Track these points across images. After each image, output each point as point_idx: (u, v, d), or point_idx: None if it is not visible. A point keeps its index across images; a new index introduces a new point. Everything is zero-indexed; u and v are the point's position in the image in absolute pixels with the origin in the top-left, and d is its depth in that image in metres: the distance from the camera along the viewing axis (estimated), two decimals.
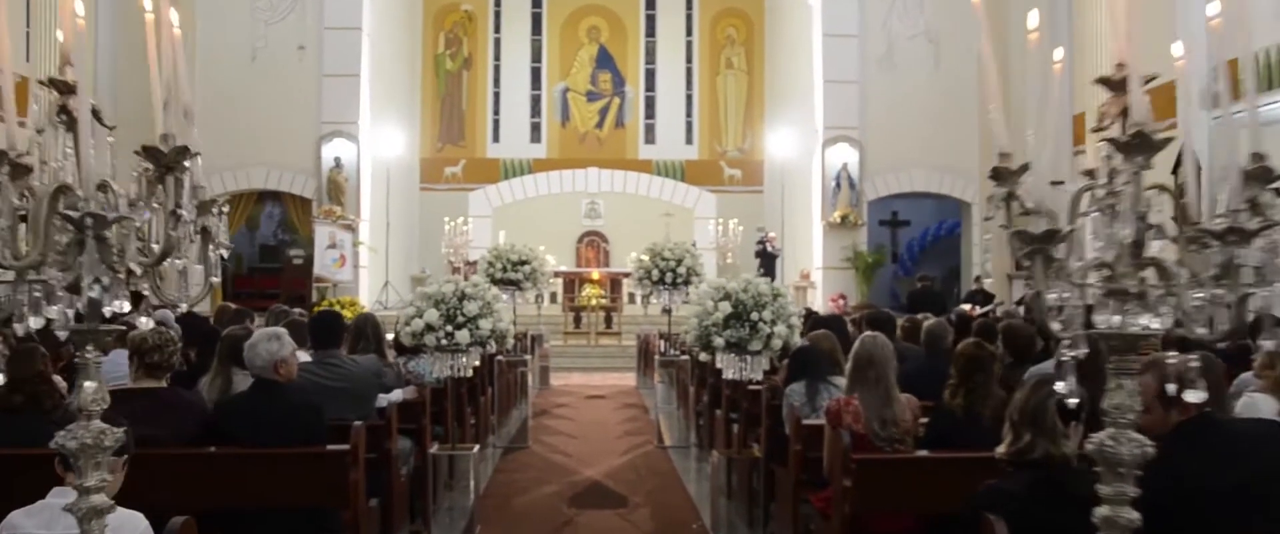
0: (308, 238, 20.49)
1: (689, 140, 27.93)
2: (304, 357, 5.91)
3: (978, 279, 19.50)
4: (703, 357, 5.90)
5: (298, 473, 4.16)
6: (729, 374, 5.76)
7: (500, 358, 9.97)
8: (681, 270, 9.68)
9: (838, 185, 21.03)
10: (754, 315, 5.55)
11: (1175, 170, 2.06)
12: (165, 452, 4.05)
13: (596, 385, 15.52)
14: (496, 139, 27.54)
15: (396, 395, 5.85)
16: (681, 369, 10.11)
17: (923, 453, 4.37)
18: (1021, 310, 18.37)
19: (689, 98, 28.00)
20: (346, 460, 4.22)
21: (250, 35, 20.46)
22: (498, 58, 27.71)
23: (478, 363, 6.00)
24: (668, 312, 21.43)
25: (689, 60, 28.10)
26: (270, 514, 4.17)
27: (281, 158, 20.51)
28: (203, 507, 3.42)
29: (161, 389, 4.28)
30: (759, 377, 5.72)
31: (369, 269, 21.06)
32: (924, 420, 4.63)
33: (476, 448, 6.37)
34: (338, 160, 20.32)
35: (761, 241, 20.96)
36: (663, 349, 13.09)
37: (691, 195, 26.37)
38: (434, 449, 6.05)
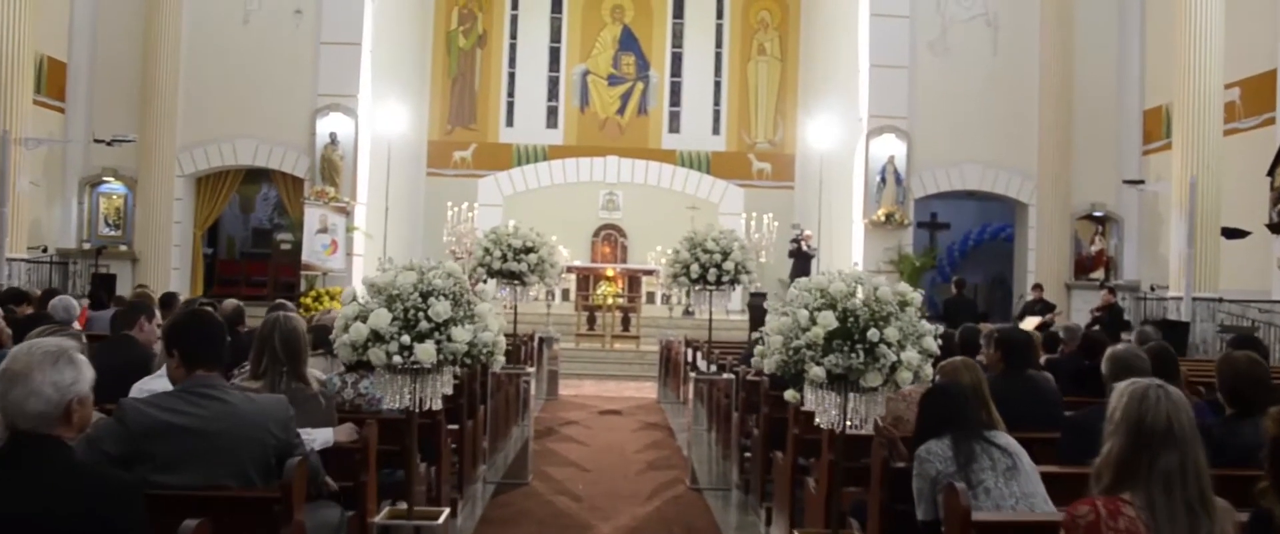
0: (299, 221, 18.64)
1: (716, 130, 26.01)
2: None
3: (1036, 287, 17.49)
4: (790, 395, 3.90)
5: None
6: (825, 421, 3.81)
7: (495, 369, 8.09)
8: (728, 266, 7.68)
9: (882, 180, 19.06)
10: (873, 333, 3.60)
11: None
12: None
13: (611, 397, 13.60)
14: (510, 123, 25.70)
15: (321, 438, 3.95)
16: (718, 388, 8.18)
17: None
18: (1092, 323, 16.44)
19: (717, 85, 26.08)
20: None
21: None
22: (514, 36, 25.83)
23: (449, 390, 4.06)
24: (690, 313, 19.69)
25: (719, 45, 26.17)
26: None
27: (273, 132, 18.68)
28: None
29: None
30: (872, 426, 3.80)
31: (365, 258, 19.17)
32: None
33: (445, 514, 4.44)
34: (333, 136, 18.45)
35: (796, 240, 19.00)
36: (691, 359, 11.13)
37: (717, 189, 24.45)
38: (381, 516, 4.17)
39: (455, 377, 4.27)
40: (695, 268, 7.65)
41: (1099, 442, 2.46)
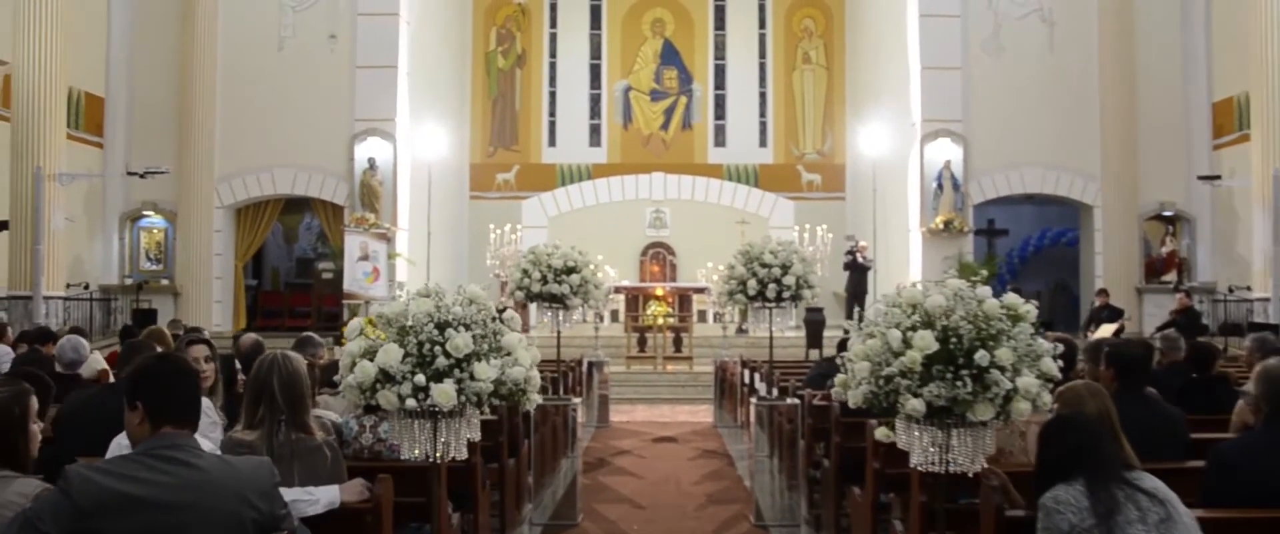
0: (340, 250, 18.24)
1: (763, 142, 25.36)
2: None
3: (1101, 293, 16.57)
4: (882, 432, 3.26)
5: None
6: (923, 461, 3.16)
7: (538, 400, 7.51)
8: (788, 281, 6.99)
9: (939, 187, 18.30)
10: (981, 356, 2.96)
11: None
12: None
13: (665, 422, 12.97)
14: (553, 143, 25.23)
15: (325, 498, 3.39)
16: (781, 413, 7.52)
17: None
18: (1173, 330, 15.46)
19: (763, 96, 25.44)
20: None
21: (277, 22, 18.35)
22: (554, 55, 25.40)
23: (475, 435, 3.47)
24: (743, 331, 18.99)
25: (762, 55, 25.53)
26: None
27: (311, 159, 18.35)
28: None
29: None
30: (977, 467, 3.14)
31: (408, 284, 18.71)
32: None
33: None
34: (372, 162, 18.07)
35: (851, 252, 18.27)
36: (749, 381, 10.48)
37: (767, 202, 23.71)
38: None
39: (488, 415, 3.67)
40: (752, 284, 6.98)
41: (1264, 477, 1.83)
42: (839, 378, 3.32)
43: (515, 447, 6.50)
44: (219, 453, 3.02)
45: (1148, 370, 4.69)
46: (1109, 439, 3.13)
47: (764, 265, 6.97)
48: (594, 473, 8.98)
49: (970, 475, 3.20)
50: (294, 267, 23.82)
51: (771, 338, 7.61)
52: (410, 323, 3.31)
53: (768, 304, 7.09)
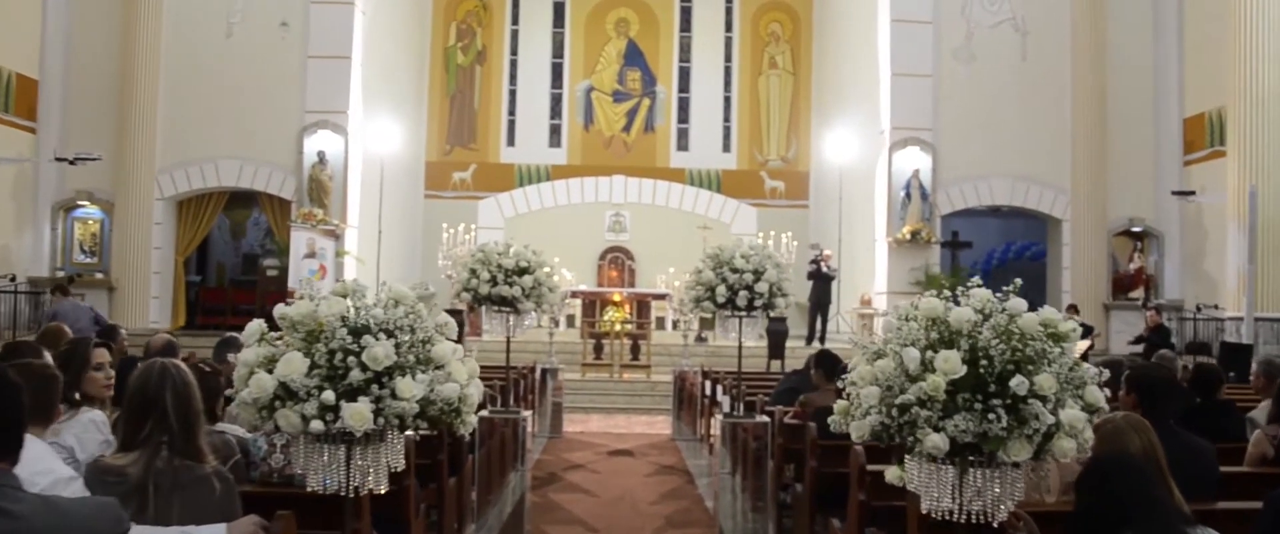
0: (287, 246, 17.49)
1: (726, 148, 24.89)
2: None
3: (1073, 308, 16.19)
4: (894, 473, 2.67)
5: None
6: (938, 506, 2.59)
7: (483, 414, 6.88)
8: (761, 287, 6.38)
9: (907, 196, 17.86)
10: (1017, 383, 2.40)
11: None
12: None
13: (621, 433, 12.39)
14: (511, 142, 24.60)
15: None
16: (748, 430, 6.94)
17: None
18: (1140, 347, 15.15)
19: (727, 100, 24.96)
20: None
21: (226, 7, 17.56)
22: (515, 52, 24.77)
23: (399, 463, 2.85)
24: (702, 339, 18.43)
25: (728, 59, 25.06)
26: None
27: (258, 151, 17.57)
28: None
29: None
30: (1003, 515, 2.57)
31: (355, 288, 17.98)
32: None
33: None
34: (321, 155, 17.32)
35: (815, 261, 17.79)
36: (711, 393, 9.92)
37: (729, 209, 23.24)
38: None
39: (425, 430, 3.06)
40: (721, 290, 6.39)
41: None
42: (839, 405, 2.75)
43: (457, 464, 5.88)
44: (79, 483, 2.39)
45: (1177, 396, 4.18)
46: (1159, 484, 2.60)
47: (734, 270, 6.39)
48: (545, 489, 8.36)
49: (994, 524, 2.65)
50: (241, 263, 22.96)
51: (741, 349, 7.04)
52: (316, 328, 2.70)
53: (737, 313, 6.51)
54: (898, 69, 18.12)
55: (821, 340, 17.49)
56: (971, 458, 2.48)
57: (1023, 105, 18.11)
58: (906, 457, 2.61)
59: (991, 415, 2.42)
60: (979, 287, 2.64)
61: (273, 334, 2.84)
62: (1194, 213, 17.42)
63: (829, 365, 6.38)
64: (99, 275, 17.29)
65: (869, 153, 19.04)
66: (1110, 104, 17.96)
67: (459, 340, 10.77)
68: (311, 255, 16.45)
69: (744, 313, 6.48)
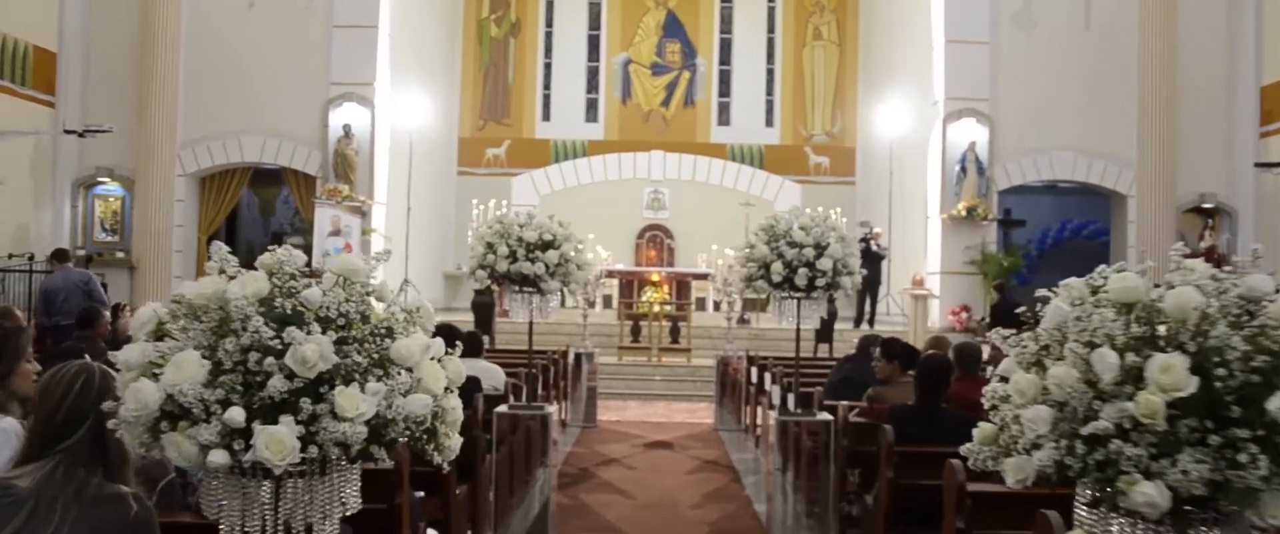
0: (312, 224, 16.82)
1: (769, 122, 23.89)
2: None
3: None
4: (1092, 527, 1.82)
5: None
6: None
7: (504, 408, 6.06)
8: (824, 264, 5.47)
9: (963, 170, 16.86)
10: (1276, 403, 1.55)
11: None
12: None
13: (660, 423, 11.59)
14: (547, 117, 23.76)
15: None
16: (806, 429, 6.07)
17: None
18: None
19: (770, 73, 23.95)
20: None
21: None
22: (550, 24, 23.89)
23: (353, 503, 2.04)
24: (745, 321, 17.55)
25: (771, 30, 24.03)
26: None
27: (282, 125, 16.90)
28: None
29: None
30: None
31: (385, 264, 17.28)
32: None
33: None
34: (347, 129, 16.61)
35: (865, 239, 16.82)
36: (757, 381, 9.07)
37: (772, 185, 22.35)
38: None
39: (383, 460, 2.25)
40: (777, 267, 5.49)
41: None
42: (982, 431, 1.90)
43: (469, 468, 5.09)
44: None
45: None
46: None
47: (792, 244, 5.51)
48: (574, 489, 7.57)
49: None
50: (268, 242, 22.39)
51: (799, 335, 6.18)
52: (224, 315, 1.89)
53: (795, 294, 5.64)
54: (953, 36, 17.08)
55: (871, 323, 16.60)
56: (1201, 515, 1.64)
57: (1086, 74, 17.02)
58: (1082, 508, 1.76)
59: (1241, 455, 1.58)
60: (1186, 258, 1.78)
61: (185, 324, 2.03)
62: (1271, 188, 16.28)
63: (901, 355, 5.54)
64: (120, 254, 16.73)
65: (921, 126, 18.05)
66: (1180, 71, 16.80)
67: (487, 330, 9.92)
68: (336, 233, 15.78)
69: (803, 294, 5.62)
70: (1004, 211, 18.49)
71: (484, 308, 14.94)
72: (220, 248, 2.09)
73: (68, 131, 14.14)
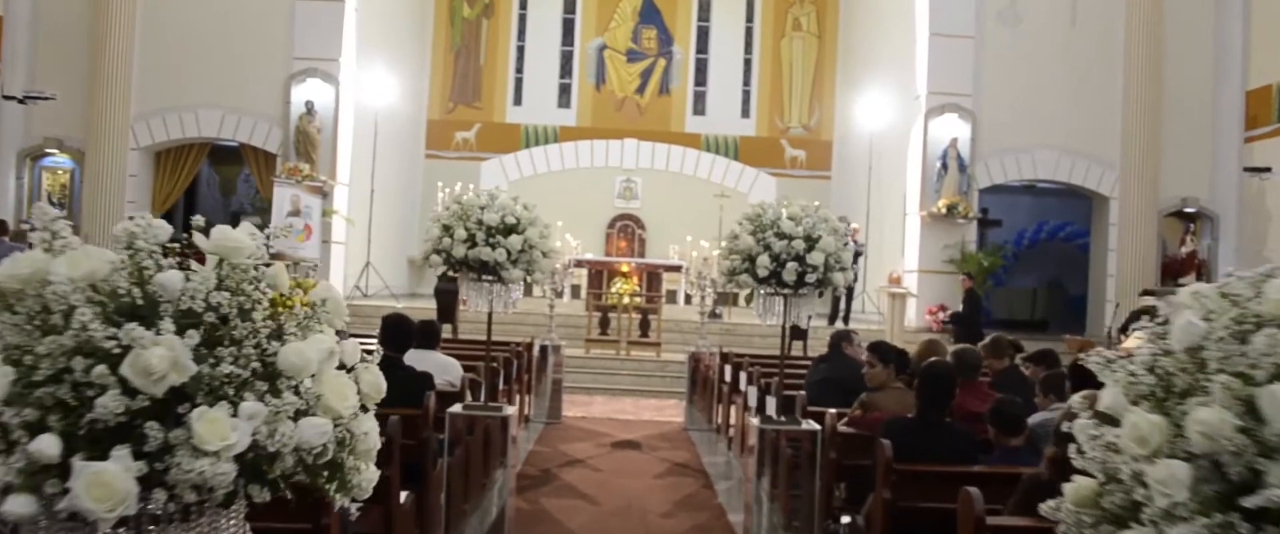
0: (271, 203, 16.18)
1: (746, 113, 23.40)
2: None
3: (1149, 292, 14.68)
4: None
5: None
6: None
7: (458, 408, 5.53)
8: (815, 259, 4.97)
9: (944, 167, 16.46)
10: None
11: None
12: None
13: (628, 419, 11.10)
14: (518, 102, 23.15)
15: None
16: (788, 438, 5.58)
17: None
18: None
19: (747, 63, 23.45)
20: None
21: None
22: (524, 6, 23.28)
23: None
24: (716, 316, 17.06)
25: (749, 19, 23.52)
26: None
27: (241, 100, 16.26)
28: None
29: None
30: None
31: (346, 246, 16.73)
32: None
33: None
34: (309, 106, 15.99)
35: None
36: (731, 380, 8.59)
37: (747, 177, 21.89)
38: None
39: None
40: (764, 261, 4.98)
41: None
42: (1078, 487, 1.40)
43: (417, 474, 4.56)
44: None
45: None
46: None
47: (781, 235, 5.01)
48: (535, 493, 7.05)
49: None
50: (229, 221, 21.60)
51: (784, 336, 5.68)
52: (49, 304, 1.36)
53: (783, 291, 5.14)
54: (937, 29, 16.67)
55: (845, 320, 16.15)
56: None
57: (1071, 73, 16.68)
58: None
59: None
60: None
61: None
62: (1255, 194, 16.00)
63: (895, 358, 5.07)
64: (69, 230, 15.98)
65: (901, 120, 17.65)
66: (1166, 73, 16.47)
67: (449, 319, 9.26)
68: (296, 213, 15.15)
69: (791, 290, 5.13)
70: (982, 211, 18.12)
71: (447, 295, 14.33)
72: (45, 210, 1.57)
73: (7, 97, 13.41)
